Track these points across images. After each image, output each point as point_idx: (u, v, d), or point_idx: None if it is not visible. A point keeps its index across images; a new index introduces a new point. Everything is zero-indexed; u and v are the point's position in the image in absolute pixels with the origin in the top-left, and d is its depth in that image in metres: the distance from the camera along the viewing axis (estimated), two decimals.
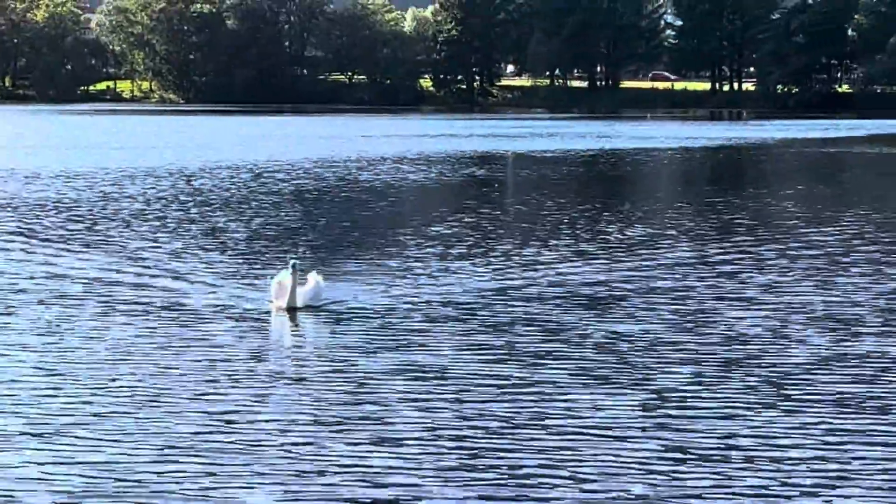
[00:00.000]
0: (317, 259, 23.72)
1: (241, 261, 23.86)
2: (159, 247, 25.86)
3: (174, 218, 31.71)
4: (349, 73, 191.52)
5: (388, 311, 18.39)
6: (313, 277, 19.07)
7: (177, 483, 10.43)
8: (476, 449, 11.41)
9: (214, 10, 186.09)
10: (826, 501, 10.14)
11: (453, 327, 17.21)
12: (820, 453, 11.36)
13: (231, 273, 22.28)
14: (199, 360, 15.15)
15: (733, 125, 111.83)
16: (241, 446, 11.45)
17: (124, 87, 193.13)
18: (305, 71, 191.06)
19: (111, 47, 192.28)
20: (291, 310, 18.34)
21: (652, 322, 17.66)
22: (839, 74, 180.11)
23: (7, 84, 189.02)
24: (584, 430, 12.03)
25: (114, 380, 14.14)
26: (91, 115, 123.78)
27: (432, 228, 29.30)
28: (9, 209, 33.25)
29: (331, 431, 11.93)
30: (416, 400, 13.12)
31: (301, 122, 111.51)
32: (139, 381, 14.08)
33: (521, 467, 10.91)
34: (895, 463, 11.10)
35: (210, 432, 11.91)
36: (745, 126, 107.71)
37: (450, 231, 28.84)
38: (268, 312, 18.48)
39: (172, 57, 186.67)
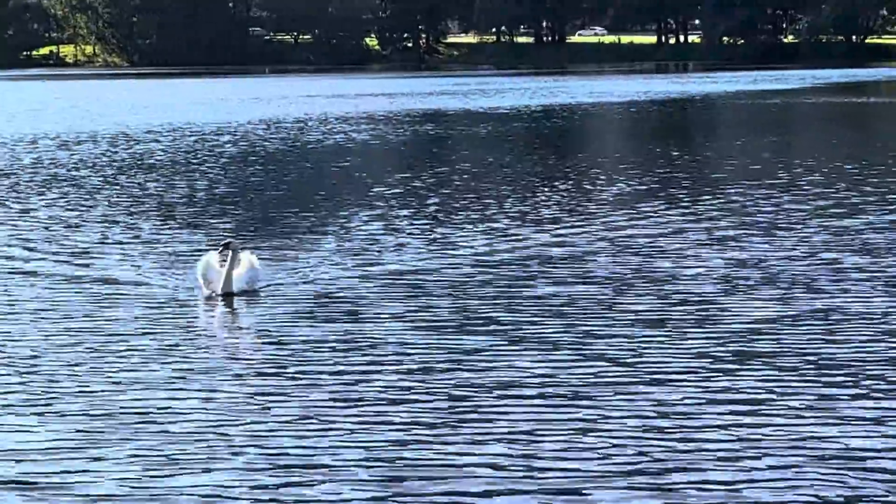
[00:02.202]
0: (258, 231, 22.81)
1: (177, 234, 22.54)
2: (89, 217, 24.85)
3: (108, 185, 30.93)
4: (294, 34, 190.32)
5: (332, 288, 17.14)
6: (247, 258, 17.00)
7: (101, 471, 9.96)
8: (425, 425, 11.14)
9: None
10: (780, 461, 9.94)
11: (402, 301, 16.27)
12: (771, 416, 11.15)
13: (165, 248, 20.85)
14: (124, 344, 14.05)
15: (680, 78, 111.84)
16: (170, 434, 10.85)
17: (67, 51, 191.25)
18: (256, 30, 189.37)
19: (53, 11, 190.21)
20: (227, 295, 16.51)
21: (601, 284, 17.41)
22: (784, 25, 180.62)
23: None
24: (531, 397, 11.77)
25: (30, 363, 13.33)
26: (44, 81, 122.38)
27: (380, 191, 28.83)
28: None
29: (269, 420, 11.38)
30: (362, 381, 12.55)
31: (246, 83, 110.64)
32: (60, 364, 13.25)
33: (466, 442, 10.65)
34: (846, 422, 10.92)
35: (137, 420, 11.26)
36: (691, 79, 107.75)
37: (398, 195, 28.36)
38: (197, 296, 16.79)
39: (115, 20, 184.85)
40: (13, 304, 16.43)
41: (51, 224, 24.01)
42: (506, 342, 13.92)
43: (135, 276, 18.32)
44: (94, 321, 15.34)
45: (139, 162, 37.07)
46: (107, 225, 23.77)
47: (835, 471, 9.73)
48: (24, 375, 12.79)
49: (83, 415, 11.39)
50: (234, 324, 15.67)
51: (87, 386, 12.35)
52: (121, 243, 21.43)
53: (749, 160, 35.22)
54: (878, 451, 10.18)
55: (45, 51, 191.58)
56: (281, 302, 16.33)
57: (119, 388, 12.28)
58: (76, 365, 13.16)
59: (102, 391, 12.15)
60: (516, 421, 11.05)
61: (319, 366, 13.00)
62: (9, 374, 12.86)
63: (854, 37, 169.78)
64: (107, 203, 27.29)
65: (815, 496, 9.27)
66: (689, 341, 13.85)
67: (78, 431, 10.90)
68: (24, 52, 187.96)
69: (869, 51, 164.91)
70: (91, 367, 13.07)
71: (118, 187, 30.43)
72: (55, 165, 36.13)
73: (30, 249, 20.74)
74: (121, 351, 13.77)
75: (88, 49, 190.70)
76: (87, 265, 19.25)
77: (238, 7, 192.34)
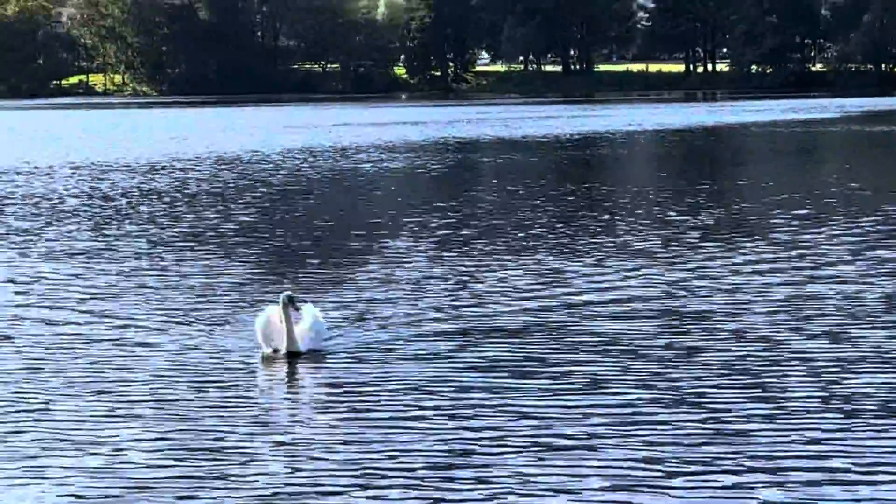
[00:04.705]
0: (309, 272, 21.50)
1: (216, 285, 20.31)
2: (113, 261, 23.06)
3: (139, 221, 29.82)
4: (322, 62, 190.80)
5: (390, 338, 15.86)
6: (309, 311, 15.25)
7: None
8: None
9: (186, 1, 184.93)
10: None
11: (469, 347, 15.40)
12: (853, 461, 10.87)
13: (204, 300, 18.83)
14: (179, 410, 12.73)
15: (710, 106, 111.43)
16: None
17: (97, 80, 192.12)
18: (279, 61, 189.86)
19: (83, 40, 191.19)
20: (291, 355, 14.85)
21: (649, 320, 17.12)
22: (813, 53, 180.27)
23: None
24: (595, 448, 11.50)
25: (74, 422, 12.33)
26: (83, 110, 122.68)
27: (425, 223, 28.32)
28: None
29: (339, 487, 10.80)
30: (448, 446, 11.82)
31: (275, 112, 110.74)
32: (104, 428, 12.10)
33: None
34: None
35: (196, 487, 10.50)
36: (722, 107, 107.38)
37: (443, 226, 27.85)
38: (255, 359, 15.02)
39: (145, 49, 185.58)
40: (50, 363, 14.91)
41: (82, 262, 23.00)
42: (567, 385, 13.64)
43: (177, 329, 16.76)
44: (134, 383, 13.84)
45: (178, 193, 36.74)
46: (142, 266, 22.49)
47: None
48: (68, 433, 11.99)
49: (143, 486, 10.69)
50: (298, 386, 14.29)
51: (138, 461, 11.24)
52: (160, 289, 19.94)
53: (795, 191, 34.82)
54: None
55: (74, 80, 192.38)
56: (345, 359, 14.92)
57: (179, 459, 11.28)
58: (121, 437, 11.89)
59: (158, 466, 11.10)
60: (580, 469, 10.80)
61: (386, 424, 12.30)
62: (50, 434, 12.06)
63: (883, 65, 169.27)
64: (144, 239, 26.41)
65: None
66: (748, 379, 13.53)
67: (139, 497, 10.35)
68: (54, 81, 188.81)
69: None
70: (140, 440, 11.76)
71: (157, 221, 29.78)
72: (91, 196, 35.87)
73: (60, 298, 19.28)
74: (177, 419, 12.46)
75: (118, 78, 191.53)
76: (121, 312, 17.94)
77: (266, 36, 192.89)
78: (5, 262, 23.15)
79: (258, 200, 34.45)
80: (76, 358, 15.18)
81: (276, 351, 15.04)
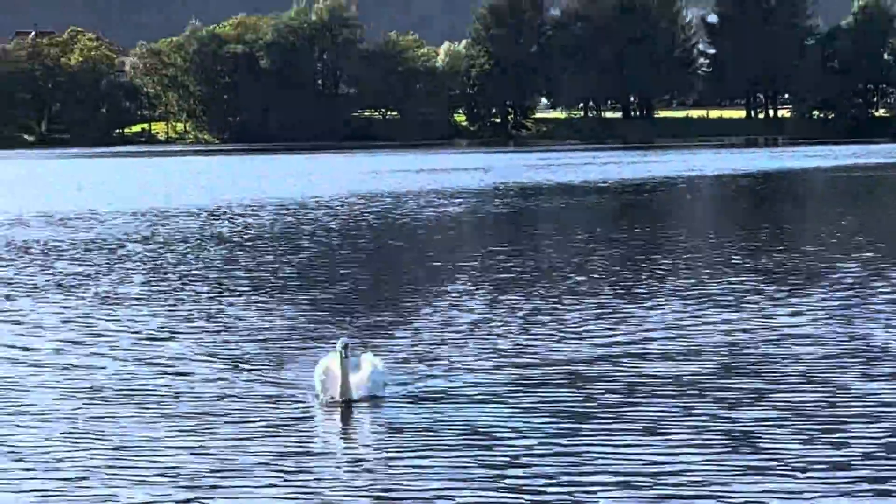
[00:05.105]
0: (367, 322, 20.81)
1: (274, 329, 20.17)
2: (172, 305, 22.98)
3: (197, 266, 29.76)
4: (383, 110, 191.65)
5: (451, 386, 15.46)
6: (368, 360, 15.13)
7: None
8: None
9: (248, 49, 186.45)
10: None
11: (527, 394, 15.04)
12: None
13: (262, 345, 18.67)
14: (231, 458, 12.53)
15: (772, 152, 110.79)
16: None
17: (159, 128, 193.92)
18: (339, 108, 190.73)
19: (145, 89, 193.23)
20: (346, 402, 14.66)
21: (714, 364, 16.88)
22: (875, 99, 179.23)
23: (42, 129, 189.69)
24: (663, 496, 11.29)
25: (137, 471, 12.24)
26: (145, 158, 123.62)
27: (485, 268, 28.21)
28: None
29: None
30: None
31: (335, 159, 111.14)
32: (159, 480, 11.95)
33: None
34: None
35: None
36: (785, 152, 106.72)
37: (503, 270, 27.75)
38: (312, 406, 14.79)
39: (207, 97, 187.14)
40: (110, 408, 14.83)
41: (141, 306, 23.03)
42: (631, 429, 13.43)
43: (234, 374, 16.62)
44: (191, 432, 13.61)
45: (238, 238, 36.79)
46: (201, 310, 22.40)
47: None
48: (122, 482, 11.84)
49: None
50: (355, 432, 14.02)
51: None
52: (218, 333, 19.91)
53: (858, 235, 34.37)
54: None
55: (137, 128, 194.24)
56: (403, 404, 14.70)
57: None
58: (176, 484, 11.77)
59: None
60: None
61: (444, 470, 12.03)
62: (106, 480, 12.00)
63: None
64: (203, 283, 26.36)
65: None
66: (812, 424, 13.24)
67: None
68: (117, 130, 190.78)
69: None
70: (194, 488, 11.61)
71: (215, 266, 29.74)
72: (150, 241, 36.01)
73: (118, 342, 19.23)
74: (232, 467, 12.24)
75: (180, 126, 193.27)
76: (178, 357, 17.87)
77: (327, 84, 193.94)
78: (65, 306, 23.21)
79: (317, 245, 34.40)
80: (134, 404, 15.08)
81: (332, 398, 14.84)
